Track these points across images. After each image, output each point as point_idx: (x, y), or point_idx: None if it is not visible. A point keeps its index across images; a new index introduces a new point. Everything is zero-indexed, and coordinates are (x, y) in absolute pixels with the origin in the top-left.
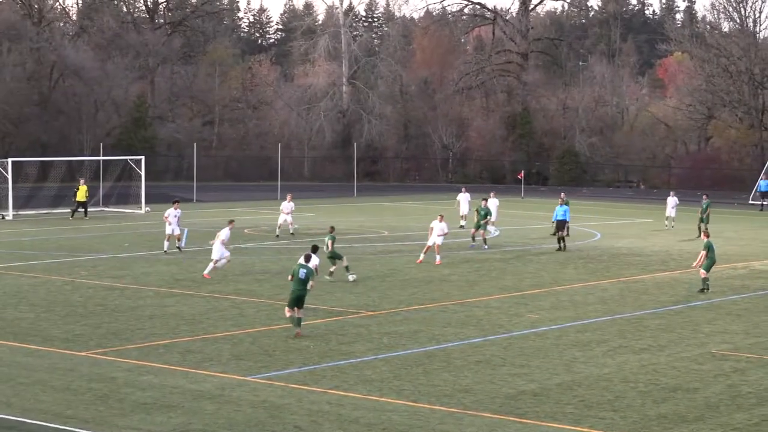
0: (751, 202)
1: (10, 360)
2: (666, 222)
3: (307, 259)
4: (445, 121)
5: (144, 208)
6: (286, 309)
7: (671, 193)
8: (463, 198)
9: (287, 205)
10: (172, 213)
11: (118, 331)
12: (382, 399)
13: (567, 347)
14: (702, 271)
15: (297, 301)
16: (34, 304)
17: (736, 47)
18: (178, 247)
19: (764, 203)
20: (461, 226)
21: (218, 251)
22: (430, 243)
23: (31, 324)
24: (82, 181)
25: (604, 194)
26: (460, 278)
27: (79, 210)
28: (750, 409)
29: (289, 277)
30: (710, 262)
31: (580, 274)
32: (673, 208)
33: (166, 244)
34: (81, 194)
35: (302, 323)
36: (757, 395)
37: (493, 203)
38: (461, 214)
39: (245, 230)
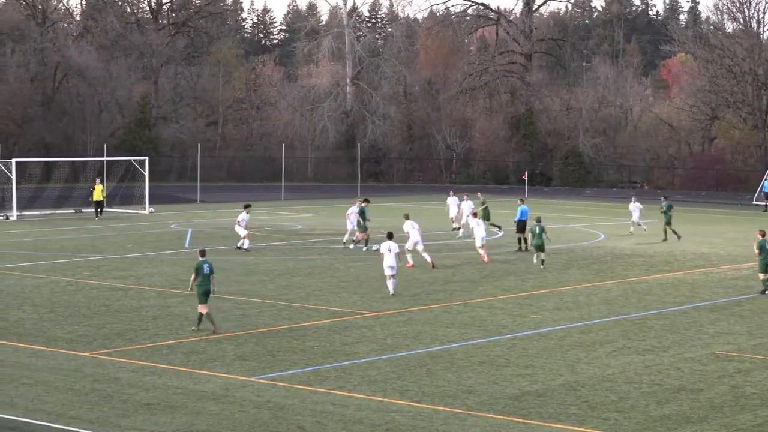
0: (755, 202)
1: (13, 360)
2: (632, 228)
3: (203, 254)
4: (448, 121)
5: (148, 209)
6: (200, 306)
7: (633, 198)
8: (452, 201)
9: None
10: (243, 217)
11: (121, 332)
12: (386, 399)
13: (571, 348)
14: (760, 273)
15: (206, 296)
16: (37, 304)
17: (740, 48)
18: (239, 247)
19: (767, 204)
20: (454, 229)
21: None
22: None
23: (34, 324)
24: (98, 181)
25: (608, 195)
26: (463, 279)
27: (97, 209)
28: (754, 409)
29: (193, 277)
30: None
31: (583, 275)
32: (636, 211)
33: (246, 242)
34: (97, 194)
35: (211, 318)
36: (761, 396)
37: (467, 205)
38: (451, 216)
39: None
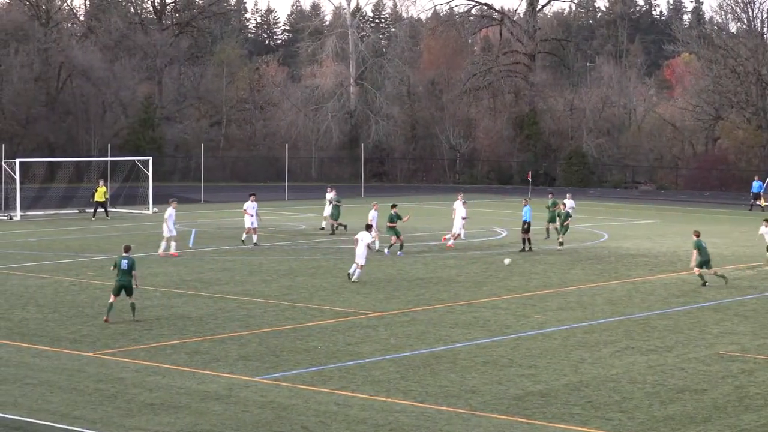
0: (756, 203)
1: (17, 360)
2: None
3: (126, 249)
4: (452, 121)
5: (151, 209)
6: (111, 296)
7: (568, 195)
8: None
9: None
10: (250, 206)
11: (125, 332)
12: (390, 400)
13: (574, 348)
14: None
15: (121, 290)
16: (41, 304)
17: (744, 48)
18: (255, 243)
19: (754, 203)
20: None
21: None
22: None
23: (38, 324)
24: (101, 182)
25: (611, 195)
26: (467, 279)
27: (99, 210)
28: (758, 410)
29: (112, 268)
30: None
31: (587, 275)
32: (571, 209)
33: (244, 236)
34: (100, 195)
35: (136, 311)
36: (765, 396)
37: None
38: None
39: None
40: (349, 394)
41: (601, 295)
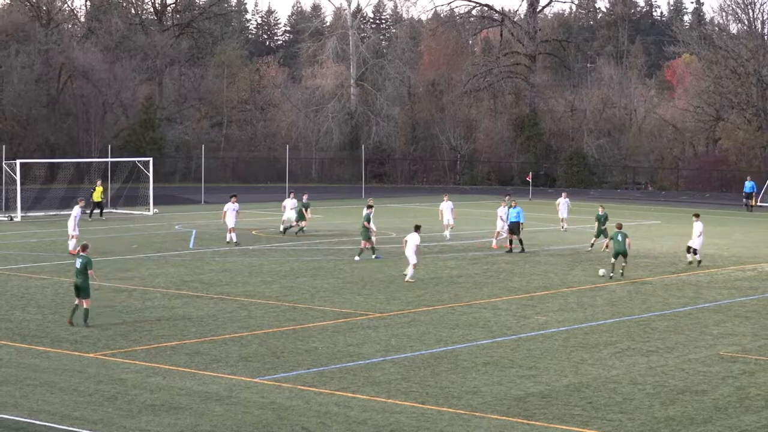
0: (759, 203)
1: (18, 361)
2: (563, 224)
3: (83, 248)
4: (453, 122)
5: (152, 210)
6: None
7: (563, 194)
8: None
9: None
10: (231, 207)
11: (126, 333)
12: (390, 400)
13: (575, 349)
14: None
15: (77, 290)
16: (42, 305)
17: (745, 49)
18: (236, 243)
19: (748, 203)
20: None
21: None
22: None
23: (39, 326)
24: (99, 182)
25: (612, 196)
26: (467, 280)
27: (95, 211)
28: (758, 411)
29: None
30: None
31: (588, 276)
32: (565, 207)
33: (228, 236)
34: (97, 195)
35: (88, 315)
36: (766, 397)
37: (447, 206)
38: (446, 223)
39: (252, 232)
40: (350, 395)
41: (601, 296)
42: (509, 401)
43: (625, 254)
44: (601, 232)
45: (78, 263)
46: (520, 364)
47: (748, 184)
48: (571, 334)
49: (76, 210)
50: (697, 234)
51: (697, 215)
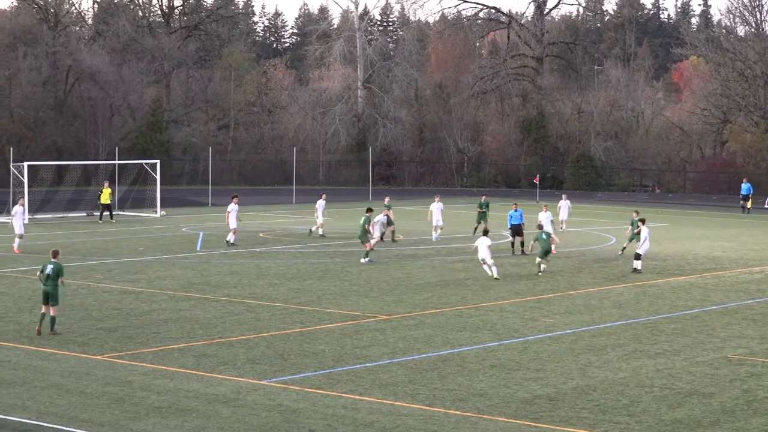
0: (766, 206)
1: (26, 363)
2: (562, 225)
3: (54, 254)
4: (460, 125)
5: (159, 212)
6: (43, 306)
7: (564, 196)
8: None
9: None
10: (233, 208)
11: (133, 335)
12: (397, 403)
13: (582, 352)
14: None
15: (46, 297)
16: None
17: (752, 51)
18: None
19: (744, 205)
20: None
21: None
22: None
23: (46, 327)
24: (106, 184)
25: (619, 198)
26: (475, 282)
27: (105, 213)
28: (766, 413)
29: (38, 274)
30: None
31: (595, 279)
32: (566, 209)
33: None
34: (105, 197)
35: (55, 322)
36: None
37: (438, 207)
38: (435, 224)
39: (260, 234)
40: (357, 397)
41: (608, 298)
42: (516, 404)
43: (548, 252)
44: (634, 236)
45: (49, 269)
46: (527, 366)
47: (745, 186)
48: (578, 337)
49: (18, 209)
50: (642, 239)
51: (642, 220)
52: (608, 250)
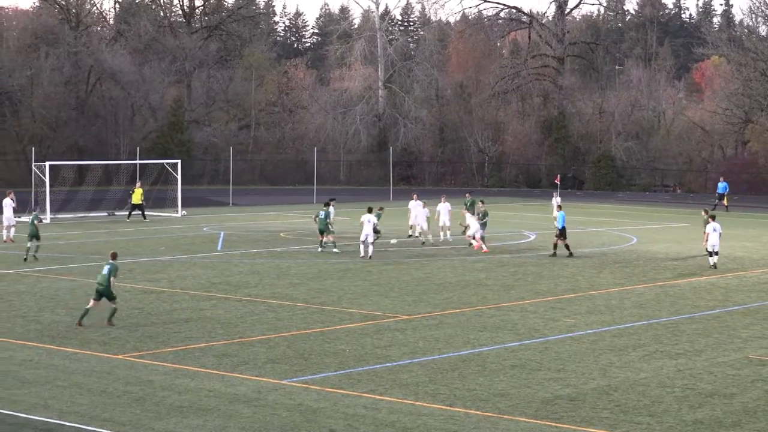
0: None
1: (47, 363)
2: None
3: (113, 256)
4: (481, 125)
5: (180, 212)
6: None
7: (554, 193)
8: (413, 206)
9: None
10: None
11: (154, 335)
12: (418, 403)
13: (603, 352)
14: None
15: (99, 295)
16: (71, 307)
17: None
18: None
19: (717, 203)
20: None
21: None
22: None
23: (68, 327)
24: (138, 184)
25: (640, 199)
26: (495, 282)
27: (135, 212)
28: None
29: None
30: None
31: (616, 279)
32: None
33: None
34: (137, 197)
35: (113, 316)
36: None
37: (445, 207)
38: (441, 224)
39: (281, 234)
40: (378, 397)
41: (629, 298)
42: (537, 404)
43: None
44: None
45: (105, 269)
46: (548, 366)
47: (721, 185)
48: (599, 337)
49: (7, 201)
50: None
51: (712, 216)
52: (629, 251)
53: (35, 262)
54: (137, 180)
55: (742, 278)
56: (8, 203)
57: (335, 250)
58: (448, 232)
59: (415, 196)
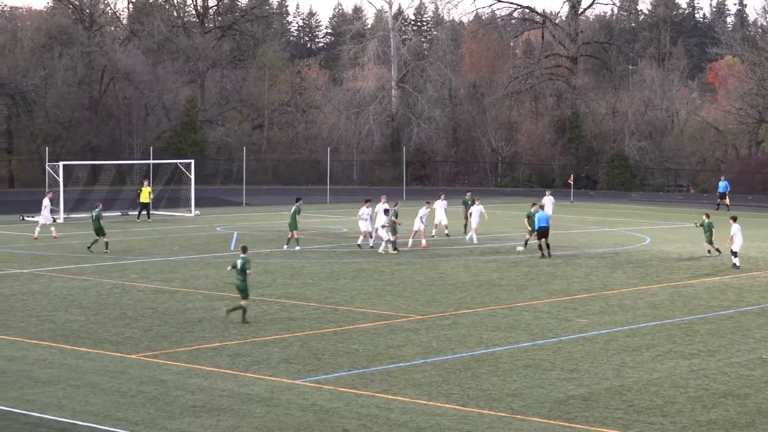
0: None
1: (61, 362)
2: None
3: (244, 250)
4: (494, 124)
5: (194, 212)
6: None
7: (547, 192)
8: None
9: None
10: (365, 211)
11: (167, 334)
12: (431, 403)
13: (616, 352)
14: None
15: (240, 290)
16: (84, 306)
17: None
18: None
19: (720, 202)
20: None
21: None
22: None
23: (81, 327)
24: (146, 183)
25: (653, 199)
26: (509, 282)
27: (143, 212)
28: None
29: (229, 269)
30: None
31: (629, 279)
32: (550, 205)
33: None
34: (144, 196)
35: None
36: None
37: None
38: (436, 222)
39: (294, 233)
40: (391, 397)
41: (643, 298)
42: (550, 404)
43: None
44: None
45: (239, 263)
46: (561, 366)
47: (722, 184)
48: (613, 337)
49: (45, 202)
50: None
51: (734, 218)
52: (643, 251)
53: (106, 254)
54: (146, 179)
55: (756, 278)
56: (46, 204)
57: (297, 248)
58: (445, 231)
59: (442, 196)
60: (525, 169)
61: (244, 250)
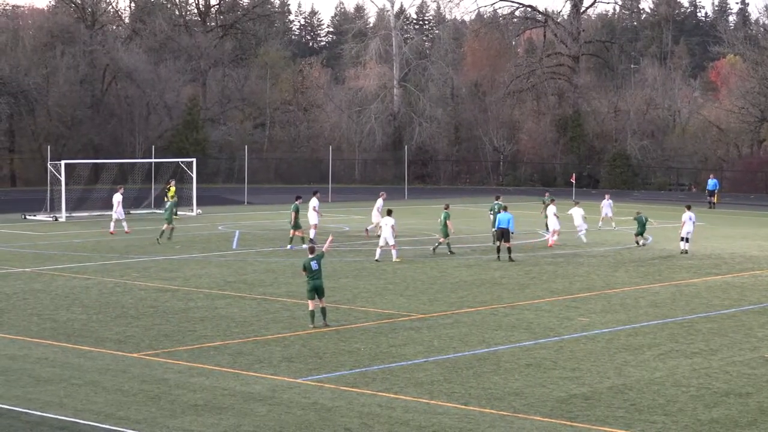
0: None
1: (62, 361)
2: (601, 223)
3: (312, 251)
4: (496, 123)
5: (195, 211)
6: (309, 302)
7: (606, 195)
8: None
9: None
10: (381, 204)
11: (169, 333)
12: (433, 402)
13: (618, 351)
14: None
15: (314, 292)
16: (86, 305)
17: None
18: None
19: (711, 201)
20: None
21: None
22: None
23: (83, 325)
24: (172, 182)
25: (655, 197)
26: (510, 281)
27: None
28: None
29: (303, 271)
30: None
31: (631, 278)
32: (609, 208)
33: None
34: (171, 195)
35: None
36: None
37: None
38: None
39: (296, 232)
40: (393, 395)
41: (644, 297)
42: (552, 403)
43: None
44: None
45: (314, 265)
46: (563, 365)
47: (711, 182)
48: (614, 336)
49: (117, 197)
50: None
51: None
52: (644, 250)
53: (168, 243)
54: (172, 179)
55: (758, 277)
56: (119, 199)
57: (303, 246)
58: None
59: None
60: (527, 168)
61: (312, 250)
